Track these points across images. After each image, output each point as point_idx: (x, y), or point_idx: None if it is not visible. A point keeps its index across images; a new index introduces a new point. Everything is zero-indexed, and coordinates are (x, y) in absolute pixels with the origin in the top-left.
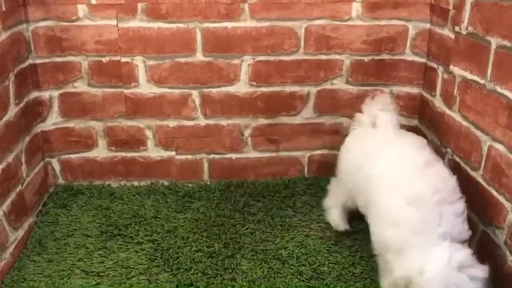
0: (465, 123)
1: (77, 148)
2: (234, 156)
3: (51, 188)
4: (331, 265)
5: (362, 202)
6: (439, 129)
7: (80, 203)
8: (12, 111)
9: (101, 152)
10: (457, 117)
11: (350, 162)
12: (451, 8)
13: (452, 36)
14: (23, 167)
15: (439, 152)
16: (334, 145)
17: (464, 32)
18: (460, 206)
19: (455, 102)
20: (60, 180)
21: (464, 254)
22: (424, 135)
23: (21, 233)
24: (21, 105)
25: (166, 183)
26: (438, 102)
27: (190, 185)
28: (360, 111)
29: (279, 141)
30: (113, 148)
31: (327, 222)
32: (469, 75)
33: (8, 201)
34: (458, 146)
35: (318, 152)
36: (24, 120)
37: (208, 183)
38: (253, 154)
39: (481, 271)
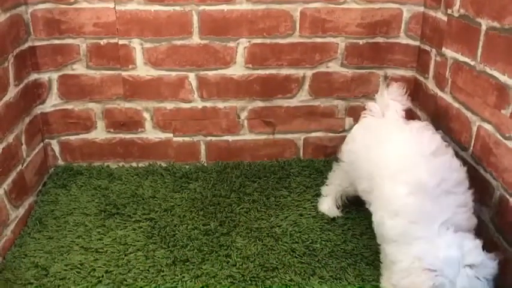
0: (456, 105)
1: (76, 130)
2: (230, 138)
3: (51, 169)
4: (323, 242)
5: (366, 189)
6: (432, 111)
7: (79, 183)
8: (12, 92)
9: (99, 133)
10: (449, 99)
11: (356, 150)
12: None
13: (445, 19)
14: (23, 147)
15: None
16: (329, 128)
17: (456, 15)
18: (467, 197)
19: (447, 84)
20: (60, 162)
21: (474, 246)
22: (417, 117)
23: (21, 211)
24: (21, 86)
25: (164, 165)
26: (431, 85)
27: (187, 166)
28: (356, 95)
29: (275, 124)
30: (112, 130)
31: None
32: (461, 57)
33: (9, 180)
34: (449, 128)
35: (314, 134)
36: (23, 102)
37: (205, 164)
38: (249, 136)
39: (491, 269)
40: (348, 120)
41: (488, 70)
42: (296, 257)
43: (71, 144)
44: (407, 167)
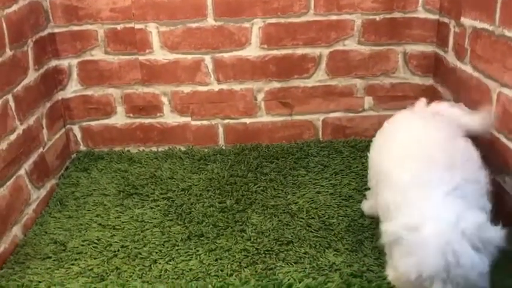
0: (476, 74)
1: (96, 115)
2: (248, 120)
3: (73, 154)
4: (340, 218)
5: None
6: (453, 85)
7: (100, 167)
8: (32, 76)
9: (119, 118)
10: (468, 69)
11: (377, 147)
12: None
13: None
14: (44, 131)
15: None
16: (348, 107)
17: None
18: (478, 175)
19: (466, 54)
20: (82, 147)
21: (478, 218)
22: (439, 94)
23: (43, 192)
24: (41, 71)
25: (183, 149)
26: (451, 58)
27: (206, 149)
28: (374, 73)
29: (292, 105)
30: (131, 115)
31: (339, 180)
32: (479, 24)
33: (30, 161)
34: (470, 99)
35: (332, 114)
36: (44, 87)
37: (224, 147)
38: (266, 118)
39: (492, 244)
40: (367, 100)
41: (506, 33)
42: (312, 232)
43: (92, 130)
44: (415, 148)
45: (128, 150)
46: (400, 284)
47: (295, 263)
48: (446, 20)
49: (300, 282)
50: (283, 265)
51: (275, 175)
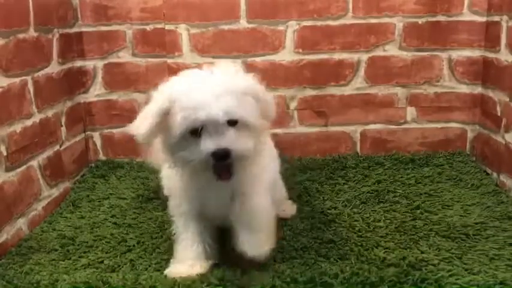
0: None
1: (119, 122)
2: (280, 131)
3: (92, 164)
4: (387, 221)
5: None
6: (508, 84)
7: (119, 174)
8: (55, 68)
9: None
10: None
11: None
12: None
13: None
14: (63, 129)
15: (507, 108)
16: (389, 119)
17: None
18: None
19: None
20: (101, 156)
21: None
22: (490, 102)
23: (55, 192)
24: (65, 67)
25: None
26: (504, 56)
27: None
28: (417, 81)
29: (328, 115)
30: None
31: (383, 187)
32: None
33: (45, 155)
34: None
35: (371, 126)
36: (67, 84)
37: None
38: (300, 129)
39: None
40: (410, 110)
41: None
42: (355, 232)
43: (113, 138)
44: None
45: (151, 162)
46: None
47: (339, 259)
48: (496, 18)
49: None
50: (323, 260)
51: (309, 184)
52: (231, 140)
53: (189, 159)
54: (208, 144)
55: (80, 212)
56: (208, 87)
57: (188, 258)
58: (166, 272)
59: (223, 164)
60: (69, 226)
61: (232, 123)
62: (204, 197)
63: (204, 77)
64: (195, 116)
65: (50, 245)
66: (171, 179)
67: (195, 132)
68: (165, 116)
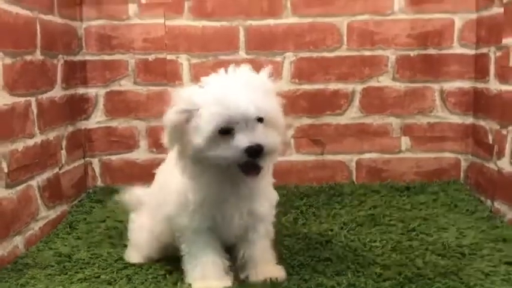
0: None
1: (118, 149)
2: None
3: (90, 190)
4: (383, 241)
5: None
6: (498, 112)
7: (116, 200)
8: (58, 92)
9: (141, 153)
10: None
11: None
12: None
13: (502, 10)
14: (63, 152)
15: (498, 136)
16: (384, 148)
17: None
18: None
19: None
20: (100, 183)
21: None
22: (481, 129)
23: (53, 214)
24: (68, 93)
25: None
26: (493, 85)
27: None
28: (411, 112)
29: (324, 143)
30: (154, 150)
31: (378, 212)
32: None
33: (44, 177)
34: None
35: (367, 155)
36: (69, 109)
37: None
38: (296, 157)
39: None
40: (404, 140)
41: None
42: (352, 252)
43: (112, 165)
44: None
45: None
46: None
47: (336, 274)
48: (484, 49)
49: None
50: (320, 276)
51: (306, 209)
52: (262, 135)
53: (220, 157)
54: (242, 141)
55: (76, 233)
56: (238, 85)
57: (212, 273)
58: None
59: (252, 160)
60: (65, 245)
61: (260, 119)
62: (222, 209)
63: (230, 76)
64: (228, 113)
65: (46, 261)
66: (181, 195)
67: (225, 130)
68: (189, 118)
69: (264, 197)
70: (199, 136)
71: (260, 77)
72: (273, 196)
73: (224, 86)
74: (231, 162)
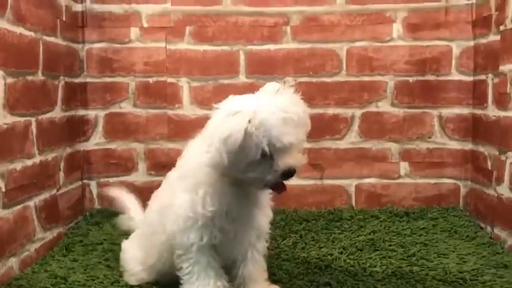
0: None
1: (116, 171)
2: None
3: (87, 213)
4: (383, 266)
5: None
6: (496, 138)
7: (113, 222)
8: (58, 113)
9: (140, 175)
10: None
11: None
12: (493, 11)
13: (498, 37)
14: (61, 173)
15: (497, 162)
16: (383, 173)
17: (510, 26)
18: None
19: (509, 100)
20: (97, 205)
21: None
22: (480, 155)
23: (49, 236)
24: (67, 114)
25: None
26: (491, 111)
27: None
28: (409, 137)
29: (323, 167)
30: (152, 172)
31: (378, 237)
32: None
33: (41, 198)
34: None
35: (366, 180)
36: (68, 131)
37: None
38: (295, 181)
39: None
40: (403, 165)
41: None
42: (351, 277)
43: (110, 187)
44: None
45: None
46: None
47: None
48: (482, 76)
49: None
50: None
51: (305, 233)
52: (295, 160)
53: (258, 178)
54: (281, 165)
55: (72, 255)
56: (285, 116)
57: None
58: None
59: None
60: (61, 268)
61: None
62: (234, 222)
63: (274, 103)
64: (275, 143)
65: (41, 283)
66: (188, 209)
67: (266, 154)
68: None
69: (264, 213)
70: (246, 155)
71: (300, 108)
72: (270, 214)
73: (276, 118)
74: (266, 183)
